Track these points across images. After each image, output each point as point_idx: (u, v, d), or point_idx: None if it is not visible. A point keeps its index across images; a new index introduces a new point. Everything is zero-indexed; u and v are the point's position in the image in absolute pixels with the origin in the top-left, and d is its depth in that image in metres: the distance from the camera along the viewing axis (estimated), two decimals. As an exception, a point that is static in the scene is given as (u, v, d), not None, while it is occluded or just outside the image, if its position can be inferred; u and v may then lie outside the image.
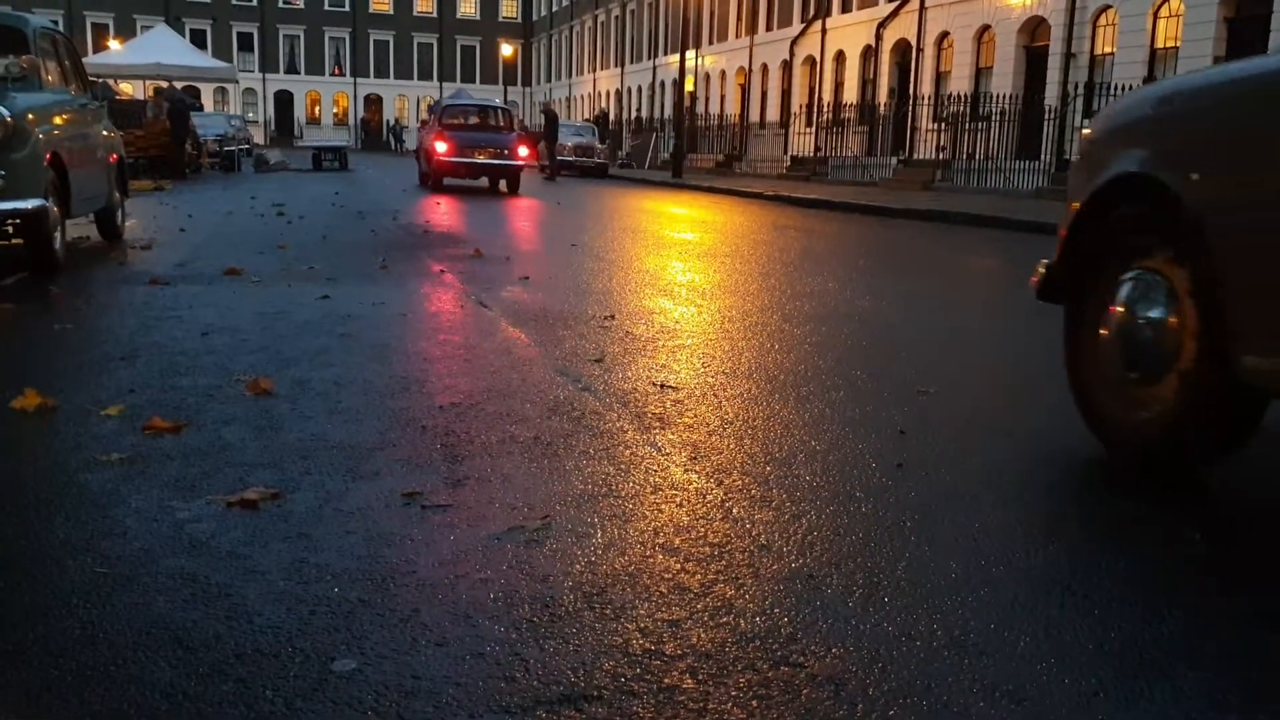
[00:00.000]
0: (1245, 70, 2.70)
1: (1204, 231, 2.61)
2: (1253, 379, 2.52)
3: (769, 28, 36.25)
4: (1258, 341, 2.48)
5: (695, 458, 2.88)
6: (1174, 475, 2.85)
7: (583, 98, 59.00)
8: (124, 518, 2.32)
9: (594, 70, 56.64)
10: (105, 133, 8.43)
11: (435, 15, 68.21)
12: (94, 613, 1.85)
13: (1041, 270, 3.40)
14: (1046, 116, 19.77)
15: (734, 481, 2.69)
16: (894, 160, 24.65)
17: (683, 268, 7.79)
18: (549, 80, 64.86)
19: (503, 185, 19.29)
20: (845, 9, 31.52)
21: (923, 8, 27.30)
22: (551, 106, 24.65)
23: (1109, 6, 21.36)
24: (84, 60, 9.74)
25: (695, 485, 2.65)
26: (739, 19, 39.10)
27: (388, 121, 66.36)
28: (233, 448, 2.87)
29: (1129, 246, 2.99)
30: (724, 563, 2.14)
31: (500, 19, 69.07)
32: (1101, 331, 3.05)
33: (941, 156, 22.16)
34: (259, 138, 53.70)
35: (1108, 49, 21.58)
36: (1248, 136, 2.56)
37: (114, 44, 44.01)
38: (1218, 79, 2.81)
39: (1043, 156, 19.37)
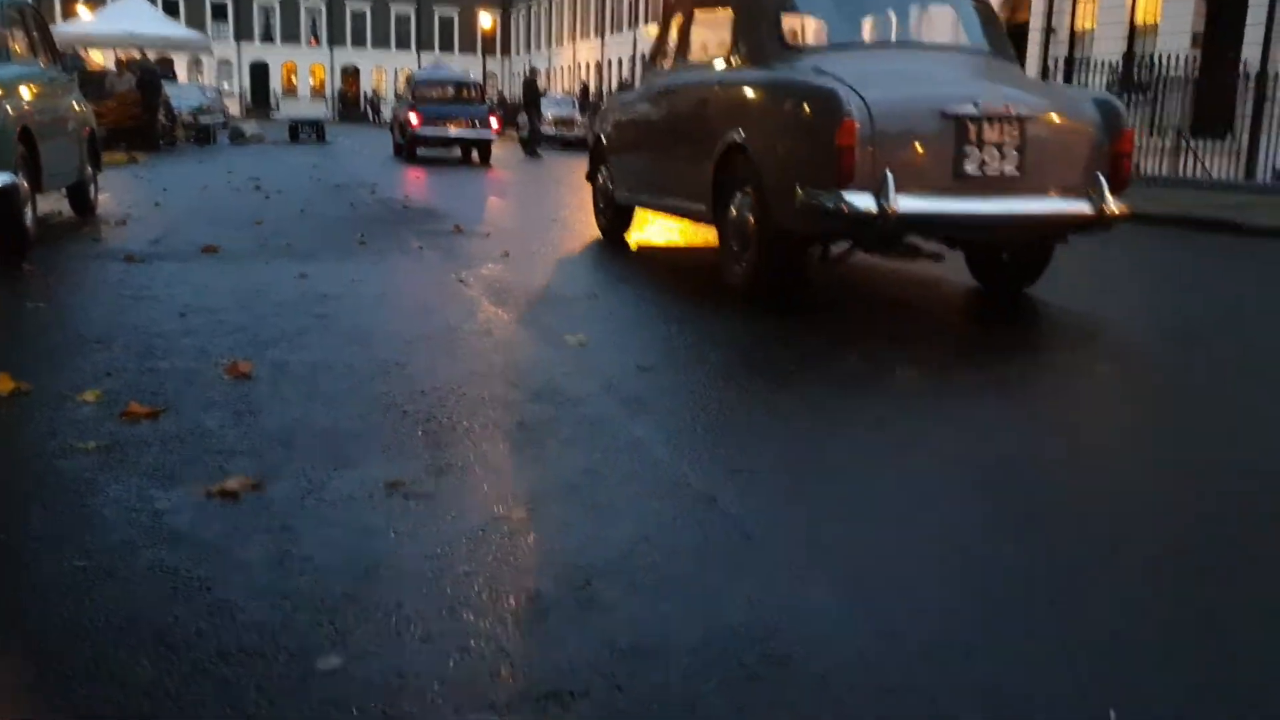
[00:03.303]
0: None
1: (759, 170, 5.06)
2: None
3: None
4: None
5: (678, 444, 2.87)
6: (763, 296, 5.09)
7: (563, 69, 58.56)
8: (102, 508, 2.29)
9: (574, 41, 56.20)
10: (76, 106, 8.30)
11: (413, -16, 67.53)
12: (73, 609, 1.83)
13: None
14: (1026, 92, 19.75)
15: (718, 469, 2.68)
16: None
17: (664, 243, 7.75)
18: (528, 51, 64.33)
19: (475, 156, 20.01)
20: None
21: (903, -19, 27.17)
22: (534, 76, 24.35)
23: (1089, -19, 21.34)
24: (53, 29, 9.58)
25: (679, 473, 2.64)
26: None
27: (365, 93, 65.74)
28: (212, 434, 2.84)
29: (733, 181, 5.31)
30: (709, 554, 2.14)
31: (479, -12, 68.44)
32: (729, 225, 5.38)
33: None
34: (235, 109, 53.03)
35: (1088, 25, 21.58)
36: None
37: (84, 11, 43.27)
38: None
39: (1022, 132, 19.35)
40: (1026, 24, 23.00)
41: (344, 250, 6.73)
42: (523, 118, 26.91)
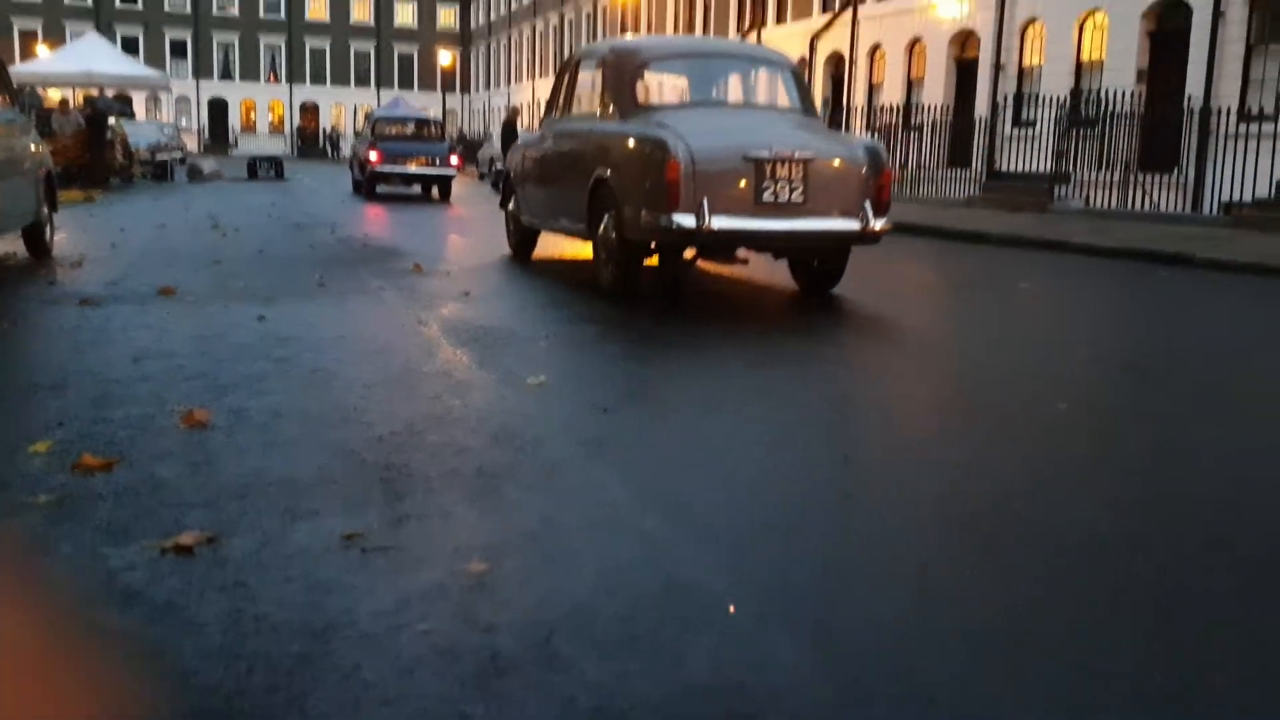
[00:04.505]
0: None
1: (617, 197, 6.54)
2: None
3: (706, 36, 36.43)
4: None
5: (640, 489, 2.87)
6: (621, 293, 6.61)
7: (522, 105, 58.77)
8: (53, 566, 2.26)
9: (533, 78, 56.43)
10: (33, 146, 8.23)
11: (373, 23, 67.57)
12: (23, 674, 1.79)
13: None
14: (976, 127, 20.09)
15: (681, 515, 2.68)
16: (830, 169, 24.86)
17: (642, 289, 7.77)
18: (488, 88, 64.51)
19: (435, 193, 20.17)
20: (780, 19, 31.76)
21: (855, 19, 27.61)
22: (514, 115, 24.23)
23: (1036, 19, 21.78)
24: (11, 68, 9.49)
25: (640, 520, 2.63)
26: (675, 27, 39.25)
27: (324, 129, 65.61)
28: (167, 486, 2.80)
29: (601, 206, 6.80)
30: (672, 607, 2.13)
31: (438, 27, 68.59)
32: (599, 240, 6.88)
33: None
34: (193, 146, 52.71)
35: (1036, 60, 22.00)
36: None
37: (43, 51, 42.98)
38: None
39: (973, 165, 19.66)
40: (976, 60, 23.44)
41: (303, 291, 6.69)
42: (484, 152, 26.87)
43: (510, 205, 9.17)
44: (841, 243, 6.68)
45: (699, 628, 2.03)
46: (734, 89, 7.65)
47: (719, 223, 6.07)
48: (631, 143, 6.58)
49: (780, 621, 2.07)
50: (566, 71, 8.24)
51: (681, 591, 2.20)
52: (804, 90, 7.40)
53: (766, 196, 6.20)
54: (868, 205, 6.40)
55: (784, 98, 7.39)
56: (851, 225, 6.38)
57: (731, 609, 2.12)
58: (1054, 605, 2.21)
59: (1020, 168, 18.21)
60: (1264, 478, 3.30)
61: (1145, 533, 2.69)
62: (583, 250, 8.12)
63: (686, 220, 6.05)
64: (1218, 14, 17.33)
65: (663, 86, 7.63)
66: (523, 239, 8.97)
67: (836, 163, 6.48)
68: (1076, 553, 2.52)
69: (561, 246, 9.65)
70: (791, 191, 6.22)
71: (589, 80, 7.73)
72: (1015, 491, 3.03)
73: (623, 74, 7.13)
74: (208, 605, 2.07)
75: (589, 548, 2.44)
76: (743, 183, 6.19)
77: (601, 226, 6.80)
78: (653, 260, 6.89)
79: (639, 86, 7.15)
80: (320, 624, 2.00)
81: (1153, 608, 2.24)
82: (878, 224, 6.41)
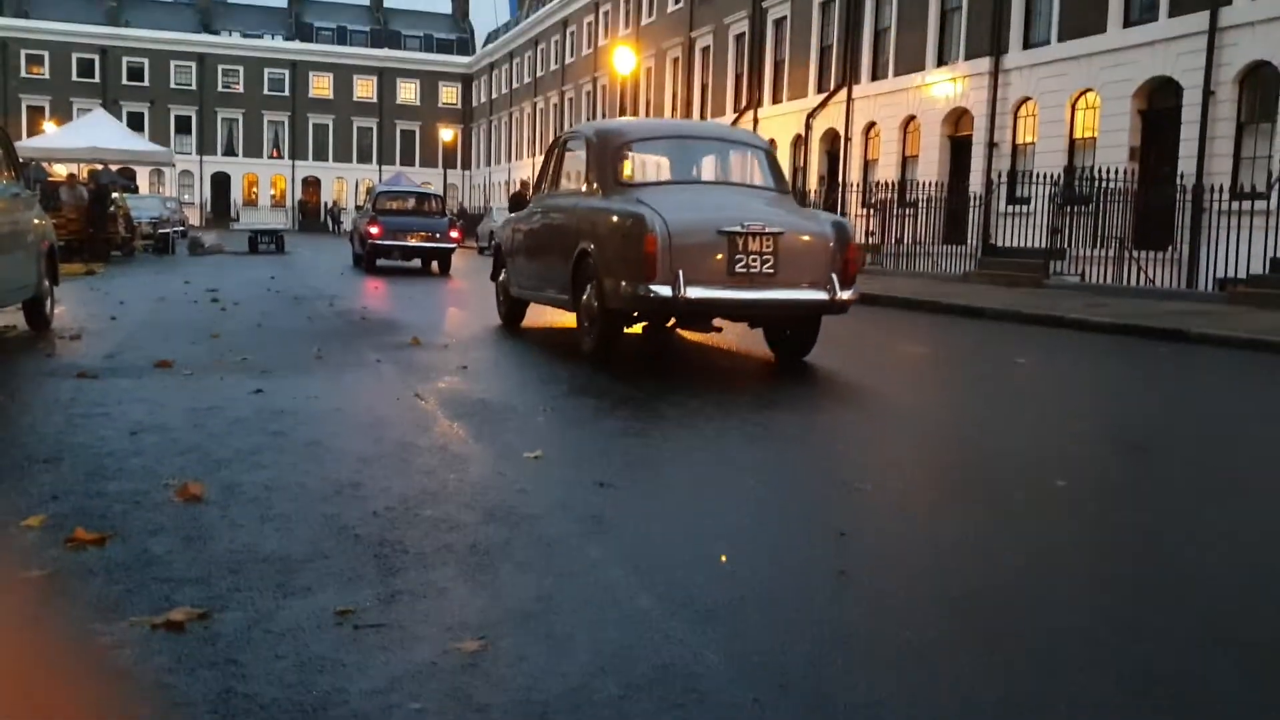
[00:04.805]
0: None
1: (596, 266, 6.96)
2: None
3: (703, 115, 36.99)
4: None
5: (636, 566, 2.85)
6: (602, 360, 6.99)
7: (520, 182, 59.47)
8: (43, 642, 2.23)
9: (533, 155, 57.19)
10: (36, 220, 8.31)
11: (375, 100, 68.67)
12: (6, 755, 1.76)
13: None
14: (971, 203, 20.33)
15: (678, 593, 2.66)
16: (827, 244, 25.07)
17: (624, 356, 7.80)
18: (489, 164, 65.35)
19: (435, 267, 20.39)
20: (776, 99, 32.31)
21: (850, 99, 28.09)
22: (523, 189, 24.50)
23: (1029, 98, 22.15)
24: (18, 143, 9.62)
25: (636, 599, 2.61)
26: (673, 107, 39.88)
27: (326, 203, 66.28)
28: (159, 561, 2.78)
29: (584, 277, 7.19)
30: (668, 688, 2.11)
31: (440, 104, 69.68)
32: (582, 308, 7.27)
33: (871, 241, 22.58)
34: (195, 219, 53.26)
35: (1029, 138, 22.34)
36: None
37: (49, 126, 43.60)
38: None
39: (969, 241, 19.85)
40: (969, 138, 23.80)
41: (301, 364, 6.71)
42: (484, 226, 27.15)
43: (500, 277, 9.56)
44: (811, 312, 7.03)
45: (695, 710, 2.00)
46: (711, 168, 8.12)
47: (694, 292, 6.45)
48: (613, 218, 6.96)
49: (776, 703, 2.04)
50: (555, 150, 8.68)
51: (678, 672, 2.17)
52: (777, 170, 7.82)
53: (739, 268, 6.57)
54: (835, 277, 6.75)
55: (758, 176, 7.80)
56: (820, 295, 6.74)
57: (728, 689, 2.09)
58: (1052, 691, 2.18)
59: (1016, 243, 18.38)
60: (1264, 559, 3.28)
61: (1144, 616, 2.66)
62: (569, 320, 8.30)
63: (663, 290, 6.42)
64: (1208, 93, 17.64)
65: (643, 165, 8.12)
66: (512, 309, 9.40)
67: (805, 237, 6.86)
68: (1074, 636, 2.50)
69: (550, 316, 9.82)
70: (763, 264, 6.59)
71: (575, 159, 8.15)
72: (1013, 571, 3.01)
73: (606, 154, 7.56)
74: (198, 683, 2.04)
75: (584, 626, 2.41)
76: (717, 255, 6.57)
77: (584, 296, 7.19)
78: (634, 329, 7.37)
79: (621, 165, 7.59)
80: (311, 703, 1.97)
81: (1151, 695, 2.21)
82: (844, 294, 6.76)
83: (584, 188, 7.75)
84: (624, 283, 6.60)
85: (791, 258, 6.68)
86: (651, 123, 10.10)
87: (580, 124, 9.01)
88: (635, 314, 6.93)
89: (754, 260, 6.57)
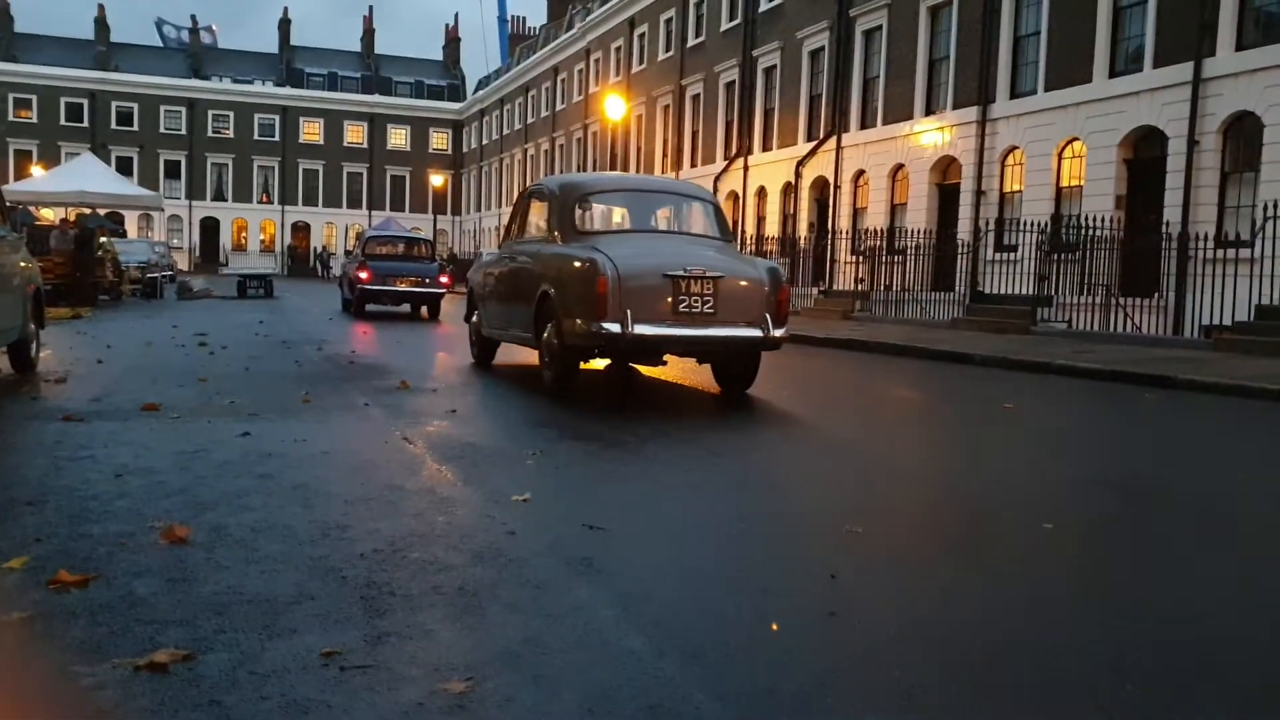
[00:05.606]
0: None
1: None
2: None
3: (694, 164, 37.31)
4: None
5: (625, 608, 2.83)
6: (562, 392, 7.66)
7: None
8: (24, 685, 2.20)
9: (522, 200, 57.55)
10: (22, 264, 8.30)
11: (366, 146, 69.07)
12: (-16, 797, 1.73)
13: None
14: (959, 250, 20.49)
15: (667, 634, 2.64)
16: (815, 290, 25.24)
17: (608, 400, 7.80)
18: (478, 210, 65.65)
19: (424, 312, 20.53)
20: (766, 148, 32.61)
21: (839, 148, 28.38)
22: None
23: (1016, 147, 22.41)
24: (5, 187, 9.63)
25: (626, 640, 2.59)
26: (665, 155, 40.21)
27: (315, 248, 66.43)
28: (144, 603, 2.75)
29: (545, 316, 7.86)
30: (654, 726, 2.09)
31: (431, 150, 70.13)
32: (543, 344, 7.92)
33: (860, 288, 22.72)
34: (184, 264, 53.29)
35: (1016, 186, 22.57)
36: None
37: (37, 170, 43.69)
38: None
39: (957, 288, 19.97)
40: (958, 185, 24.03)
41: (289, 408, 6.68)
42: (474, 271, 27.23)
43: (473, 318, 10.38)
44: (748, 348, 7.76)
45: (684, 750, 1.98)
46: (662, 219, 8.90)
47: (640, 329, 7.12)
48: (573, 263, 7.58)
49: (767, 744, 2.03)
50: (522, 201, 9.53)
51: (666, 712, 2.15)
52: (722, 221, 8.71)
53: (683, 308, 7.28)
54: (769, 317, 7.50)
55: (704, 226, 8.60)
56: (755, 333, 7.47)
57: (717, 731, 2.07)
58: (1045, 728, 2.17)
59: (1003, 290, 18.50)
60: (1252, 602, 3.27)
61: (1134, 659, 2.66)
62: (535, 357, 8.65)
63: (613, 327, 7.09)
64: (1192, 143, 17.87)
65: (600, 215, 8.78)
66: (483, 348, 10.21)
67: (743, 281, 7.57)
68: (1064, 676, 2.49)
69: (519, 355, 10.27)
70: (704, 304, 7.30)
71: (540, 209, 8.88)
72: (1002, 612, 3.00)
73: (566, 204, 8.28)
74: (180, 726, 2.02)
75: (572, 668, 2.39)
76: (664, 297, 7.26)
77: (545, 334, 7.87)
78: (595, 365, 8.03)
79: (579, 216, 8.28)
80: (295, 745, 1.94)
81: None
82: (777, 332, 7.54)
83: (546, 235, 8.44)
84: (579, 320, 7.26)
85: (730, 299, 7.38)
86: (609, 176, 11.05)
87: (544, 178, 10.19)
88: (590, 349, 7.53)
89: (696, 301, 7.27)
